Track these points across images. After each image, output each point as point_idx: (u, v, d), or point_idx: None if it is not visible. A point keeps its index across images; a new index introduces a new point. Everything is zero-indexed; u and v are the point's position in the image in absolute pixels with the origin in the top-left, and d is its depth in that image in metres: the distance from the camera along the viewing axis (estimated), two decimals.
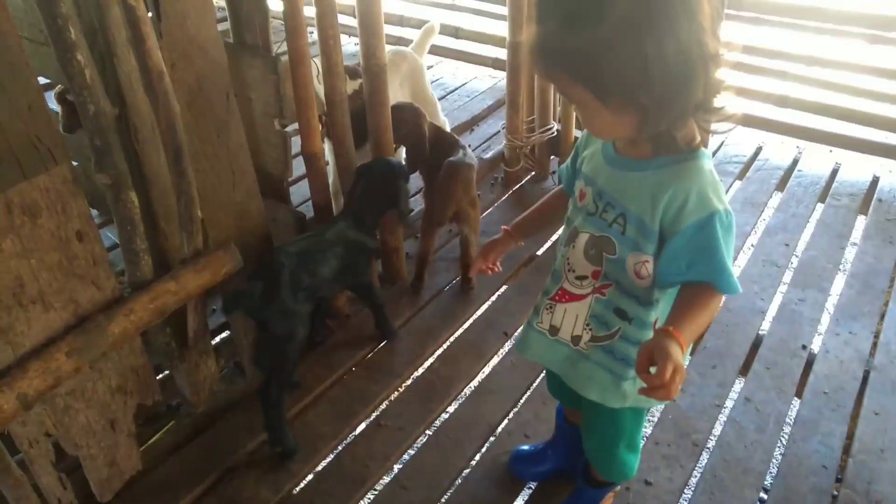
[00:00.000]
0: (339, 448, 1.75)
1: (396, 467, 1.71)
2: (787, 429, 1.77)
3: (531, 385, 1.90)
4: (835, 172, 2.90)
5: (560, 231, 1.28)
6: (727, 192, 2.77)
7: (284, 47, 1.82)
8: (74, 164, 1.34)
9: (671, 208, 0.99)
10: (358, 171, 1.94)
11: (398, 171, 1.93)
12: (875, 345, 2.01)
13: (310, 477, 1.68)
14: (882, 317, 2.12)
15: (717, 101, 0.94)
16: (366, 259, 1.93)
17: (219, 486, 1.64)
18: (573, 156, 1.23)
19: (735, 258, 2.38)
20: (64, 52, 1.25)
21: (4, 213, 1.21)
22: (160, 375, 1.75)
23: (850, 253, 2.45)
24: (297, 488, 1.65)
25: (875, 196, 2.73)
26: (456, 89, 3.80)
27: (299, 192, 2.54)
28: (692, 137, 1.01)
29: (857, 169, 2.92)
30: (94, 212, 1.39)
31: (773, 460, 1.69)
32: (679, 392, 1.82)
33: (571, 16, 0.86)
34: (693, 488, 1.62)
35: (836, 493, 1.60)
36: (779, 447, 1.72)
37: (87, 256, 1.36)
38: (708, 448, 1.71)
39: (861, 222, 2.61)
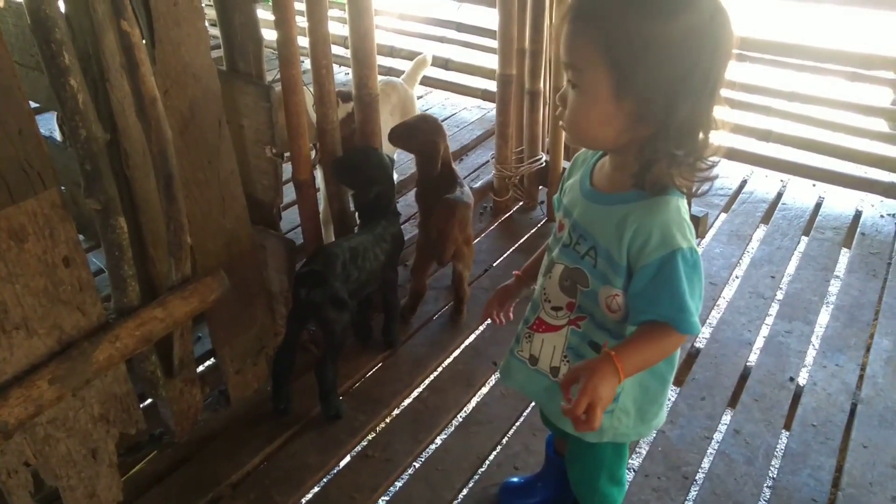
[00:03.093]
0: (325, 479, 1.72)
1: (383, 500, 1.68)
2: (776, 461, 1.77)
3: (521, 416, 1.88)
4: (818, 206, 2.95)
5: None
6: (712, 224, 2.80)
7: (276, 75, 1.83)
8: (63, 188, 1.33)
9: (635, 243, 0.99)
10: (352, 169, 1.98)
11: (374, 151, 2.02)
12: (861, 377, 2.02)
13: None
14: (868, 349, 2.14)
15: (708, 154, 0.96)
16: (399, 251, 2.06)
17: None
18: (561, 188, 1.24)
19: (721, 290, 2.40)
20: (57, 76, 1.25)
21: None
22: (143, 404, 1.72)
23: (834, 286, 2.47)
24: None
25: (858, 230, 2.77)
26: (445, 119, 3.84)
27: (289, 219, 2.53)
28: (670, 180, 0.98)
29: (840, 202, 2.97)
30: (81, 237, 1.37)
31: (763, 493, 1.68)
32: (668, 422, 1.82)
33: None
34: None
35: None
36: (768, 480, 1.71)
37: (74, 282, 1.35)
38: (698, 481, 1.70)
39: (845, 255, 2.64)
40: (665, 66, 0.87)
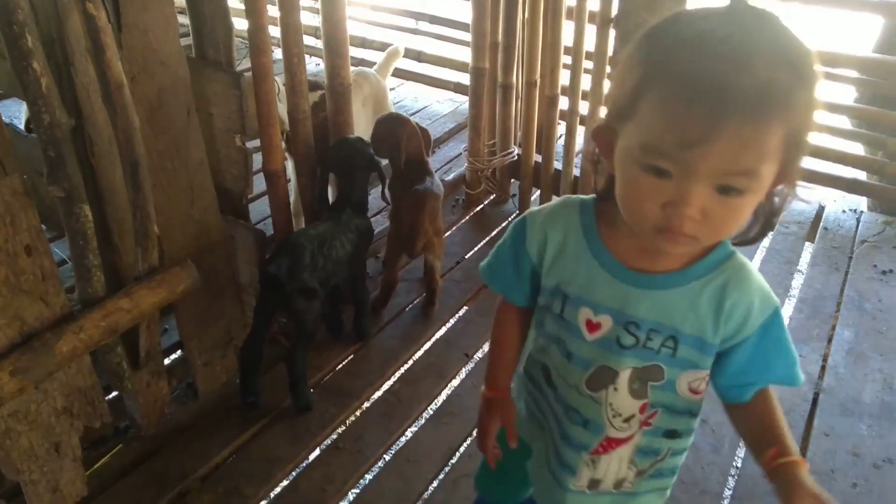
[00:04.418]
0: (296, 472, 1.70)
1: (354, 492, 1.67)
2: (741, 450, 1.80)
3: None
4: None
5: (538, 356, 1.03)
6: None
7: (246, 64, 1.81)
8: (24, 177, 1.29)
9: (734, 319, 0.86)
10: (334, 159, 2.00)
11: (364, 144, 2.03)
12: (823, 368, 2.07)
13: (264, 502, 1.63)
14: (829, 340, 2.19)
15: None
16: (367, 245, 2.04)
17: None
18: (512, 258, 0.98)
19: None
20: (19, 60, 1.21)
21: None
22: (109, 396, 1.69)
23: (798, 279, 2.53)
24: None
25: (821, 224, 2.84)
26: (418, 111, 3.82)
27: (259, 210, 2.50)
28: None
29: (804, 198, 3.03)
30: (43, 226, 1.34)
31: (728, 482, 1.71)
32: None
33: (797, 67, 0.70)
34: None
35: None
36: (734, 468, 1.75)
37: (36, 271, 1.31)
38: None
39: (808, 249, 2.70)
40: (808, 130, 0.75)
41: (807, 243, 2.73)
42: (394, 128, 2.09)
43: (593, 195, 0.93)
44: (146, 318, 1.54)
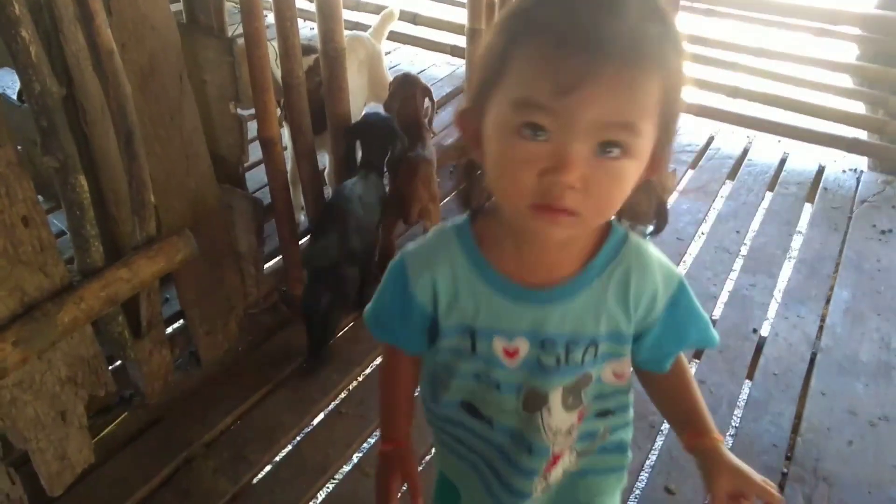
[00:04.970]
0: (299, 437, 1.73)
1: (357, 455, 1.70)
2: (738, 410, 1.82)
3: None
4: (783, 162, 2.99)
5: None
6: (680, 180, 2.83)
7: (239, 30, 1.78)
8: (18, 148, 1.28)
9: (643, 303, 0.82)
10: (363, 129, 2.08)
11: (391, 120, 2.12)
12: (821, 328, 2.09)
13: (269, 467, 1.65)
14: (828, 301, 2.20)
15: None
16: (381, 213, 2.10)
17: (175, 478, 1.60)
18: (398, 306, 0.87)
19: (687, 246, 2.44)
20: (7, 28, 1.19)
21: None
22: (112, 366, 1.70)
23: (797, 240, 2.53)
24: (257, 478, 1.63)
25: (821, 185, 2.82)
26: None
27: (255, 178, 2.49)
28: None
29: (804, 158, 3.02)
30: (39, 197, 1.33)
31: (727, 440, 1.73)
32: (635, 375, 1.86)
33: (667, 24, 0.67)
34: (650, 469, 1.66)
35: (785, 470, 1.65)
36: (731, 428, 1.77)
37: (34, 242, 1.31)
38: (663, 430, 1.75)
39: (808, 210, 2.69)
40: (680, 71, 0.71)
41: (806, 204, 2.73)
42: (395, 89, 2.13)
43: (465, 216, 0.84)
44: (146, 288, 1.55)
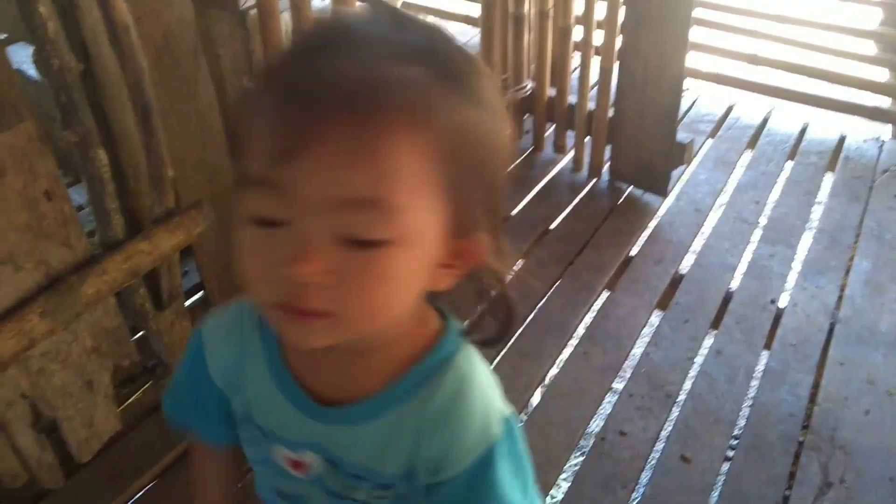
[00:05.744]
0: None
1: None
2: (755, 381, 1.83)
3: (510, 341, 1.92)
4: (803, 131, 2.94)
5: None
6: (698, 150, 2.79)
7: (251, 2, 1.77)
8: None
9: (439, 454, 0.62)
10: None
11: None
12: (840, 298, 2.07)
13: None
14: (847, 271, 2.18)
15: None
16: None
17: None
18: (192, 387, 0.75)
19: (706, 217, 2.42)
20: (25, 3, 1.20)
21: None
22: (135, 336, 1.74)
23: (817, 210, 2.50)
24: None
25: (842, 154, 2.78)
26: None
27: None
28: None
29: (824, 127, 2.96)
30: (59, 172, 1.35)
31: (743, 410, 1.74)
32: (652, 345, 1.87)
33: (446, 70, 0.53)
34: (666, 438, 1.67)
35: (802, 439, 1.66)
36: (748, 397, 1.77)
37: (57, 216, 1.33)
38: (680, 399, 1.76)
39: (829, 180, 2.66)
40: (493, 156, 0.56)
41: (827, 173, 2.69)
42: None
43: None
44: (166, 260, 1.57)
